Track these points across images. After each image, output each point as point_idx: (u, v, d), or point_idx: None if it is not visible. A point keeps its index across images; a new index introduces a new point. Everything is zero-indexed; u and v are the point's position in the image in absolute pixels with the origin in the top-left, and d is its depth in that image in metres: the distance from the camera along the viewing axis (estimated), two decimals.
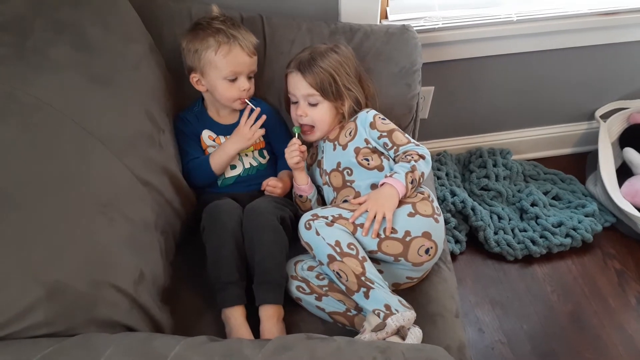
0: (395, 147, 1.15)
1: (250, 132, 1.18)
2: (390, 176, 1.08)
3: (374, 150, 1.17)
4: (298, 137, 1.19)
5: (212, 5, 1.22)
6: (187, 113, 1.27)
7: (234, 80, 1.18)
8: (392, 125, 1.18)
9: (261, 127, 1.28)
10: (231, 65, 1.16)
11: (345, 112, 1.20)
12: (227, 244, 1.05)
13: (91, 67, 0.98)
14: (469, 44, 1.57)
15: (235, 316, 1.02)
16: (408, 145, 1.14)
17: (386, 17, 1.50)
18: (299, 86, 1.17)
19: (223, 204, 1.12)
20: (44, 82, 0.89)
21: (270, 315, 1.01)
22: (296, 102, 1.21)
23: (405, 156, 1.12)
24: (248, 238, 1.08)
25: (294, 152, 1.17)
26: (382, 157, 1.17)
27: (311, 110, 1.19)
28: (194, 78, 1.22)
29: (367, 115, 1.19)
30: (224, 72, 1.17)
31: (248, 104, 1.21)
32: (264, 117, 1.20)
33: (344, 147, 1.18)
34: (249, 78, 1.22)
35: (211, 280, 1.05)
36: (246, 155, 1.27)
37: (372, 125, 1.17)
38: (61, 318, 0.75)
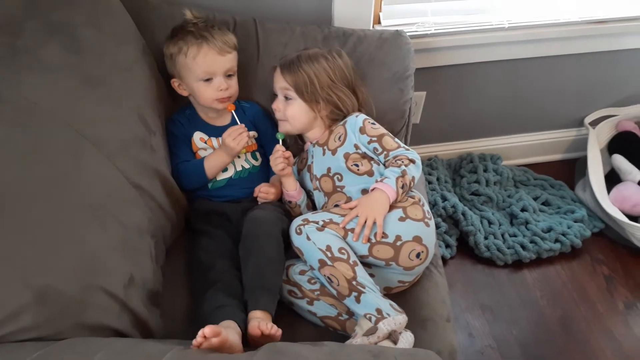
0: (385, 152, 1.15)
1: (234, 142, 1.17)
2: (381, 181, 1.08)
3: (364, 156, 1.17)
4: (282, 144, 1.19)
5: (184, 10, 1.21)
6: (179, 115, 1.27)
7: (209, 80, 1.17)
8: (382, 130, 1.18)
9: (253, 130, 1.28)
10: (202, 65, 1.15)
11: (323, 117, 1.20)
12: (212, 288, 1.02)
13: (83, 68, 0.98)
14: (461, 50, 1.58)
15: (227, 325, 0.92)
16: (398, 150, 1.14)
17: (379, 23, 1.51)
18: (277, 79, 1.20)
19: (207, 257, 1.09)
20: (35, 83, 0.89)
21: (258, 316, 0.96)
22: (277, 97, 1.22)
23: (396, 161, 1.12)
24: (246, 247, 1.05)
25: (277, 159, 1.16)
26: (372, 162, 1.17)
27: (285, 105, 1.20)
28: (174, 83, 1.22)
29: (357, 120, 1.18)
30: (196, 73, 1.16)
31: (233, 115, 1.20)
32: (247, 132, 1.18)
33: (333, 152, 1.18)
34: (228, 77, 1.20)
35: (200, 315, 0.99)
36: (238, 157, 1.26)
37: (362, 130, 1.17)
38: (50, 322, 0.74)
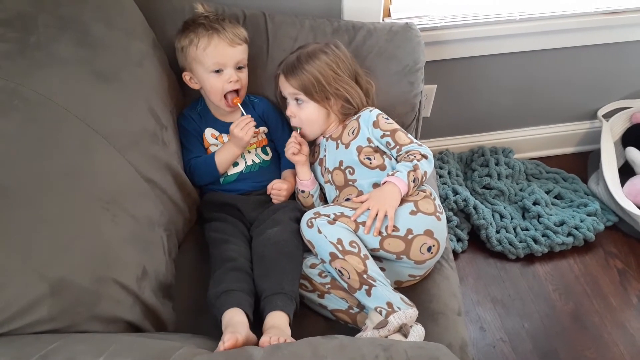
0: (397, 147, 1.15)
1: (242, 132, 1.17)
2: (393, 175, 1.08)
3: (376, 150, 1.17)
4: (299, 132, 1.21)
5: (196, 3, 1.21)
6: (191, 110, 1.27)
7: (220, 72, 1.18)
8: (395, 125, 1.18)
9: (263, 125, 1.28)
10: (212, 57, 1.16)
11: (335, 112, 1.20)
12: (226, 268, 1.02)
13: (94, 63, 0.98)
14: (471, 42, 1.57)
15: (233, 314, 0.93)
16: (411, 145, 1.14)
17: (389, 15, 1.50)
18: (284, 87, 1.20)
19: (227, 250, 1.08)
20: (48, 78, 0.89)
21: (278, 316, 0.94)
22: (288, 102, 1.22)
23: (408, 155, 1.12)
24: (264, 267, 1.03)
25: (290, 143, 1.18)
26: (385, 156, 1.17)
27: (298, 110, 1.20)
28: (186, 76, 1.22)
29: (371, 114, 1.19)
30: (207, 64, 1.16)
31: (239, 108, 1.21)
32: (253, 122, 1.19)
33: (347, 145, 1.18)
34: (238, 69, 1.20)
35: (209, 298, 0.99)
36: (249, 152, 1.27)
37: (375, 125, 1.17)
38: (65, 314, 0.75)
